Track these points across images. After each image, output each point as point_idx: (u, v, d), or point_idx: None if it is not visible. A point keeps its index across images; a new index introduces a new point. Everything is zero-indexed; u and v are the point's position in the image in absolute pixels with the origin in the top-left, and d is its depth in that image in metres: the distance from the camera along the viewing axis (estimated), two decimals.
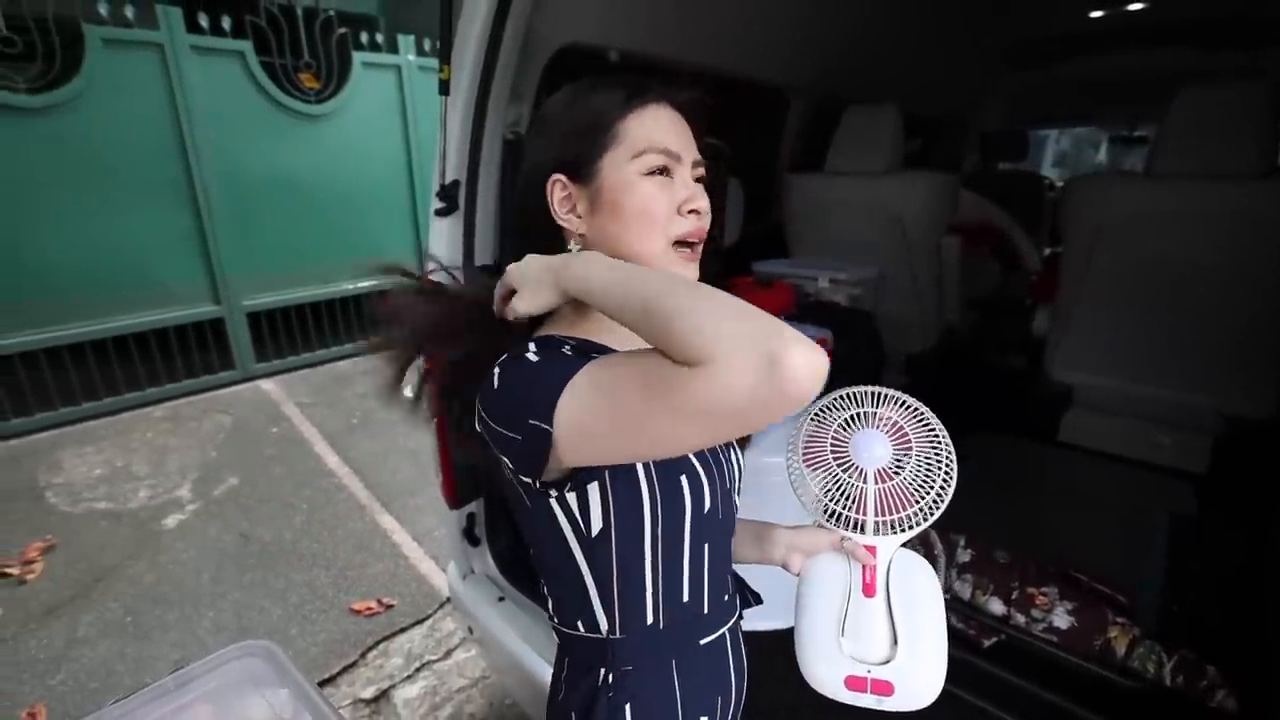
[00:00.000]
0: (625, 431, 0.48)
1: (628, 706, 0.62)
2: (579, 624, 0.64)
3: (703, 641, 0.66)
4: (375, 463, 3.17)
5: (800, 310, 1.81)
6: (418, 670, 1.97)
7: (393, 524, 2.68)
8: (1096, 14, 2.82)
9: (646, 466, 0.59)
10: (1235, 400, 1.74)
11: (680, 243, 0.62)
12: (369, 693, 1.88)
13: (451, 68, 1.30)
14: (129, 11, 3.35)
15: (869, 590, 0.66)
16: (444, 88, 1.31)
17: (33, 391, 3.39)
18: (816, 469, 0.68)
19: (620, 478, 0.58)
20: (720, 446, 0.68)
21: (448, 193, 1.35)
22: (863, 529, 0.66)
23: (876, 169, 2.10)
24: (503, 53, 1.29)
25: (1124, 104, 4.16)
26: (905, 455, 0.66)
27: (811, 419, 0.71)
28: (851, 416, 0.68)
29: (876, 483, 0.66)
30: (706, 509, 0.62)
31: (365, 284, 4.72)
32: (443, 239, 1.36)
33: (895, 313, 2.13)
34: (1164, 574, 1.37)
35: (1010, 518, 1.56)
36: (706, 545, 0.65)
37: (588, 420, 0.49)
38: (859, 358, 1.81)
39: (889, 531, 0.65)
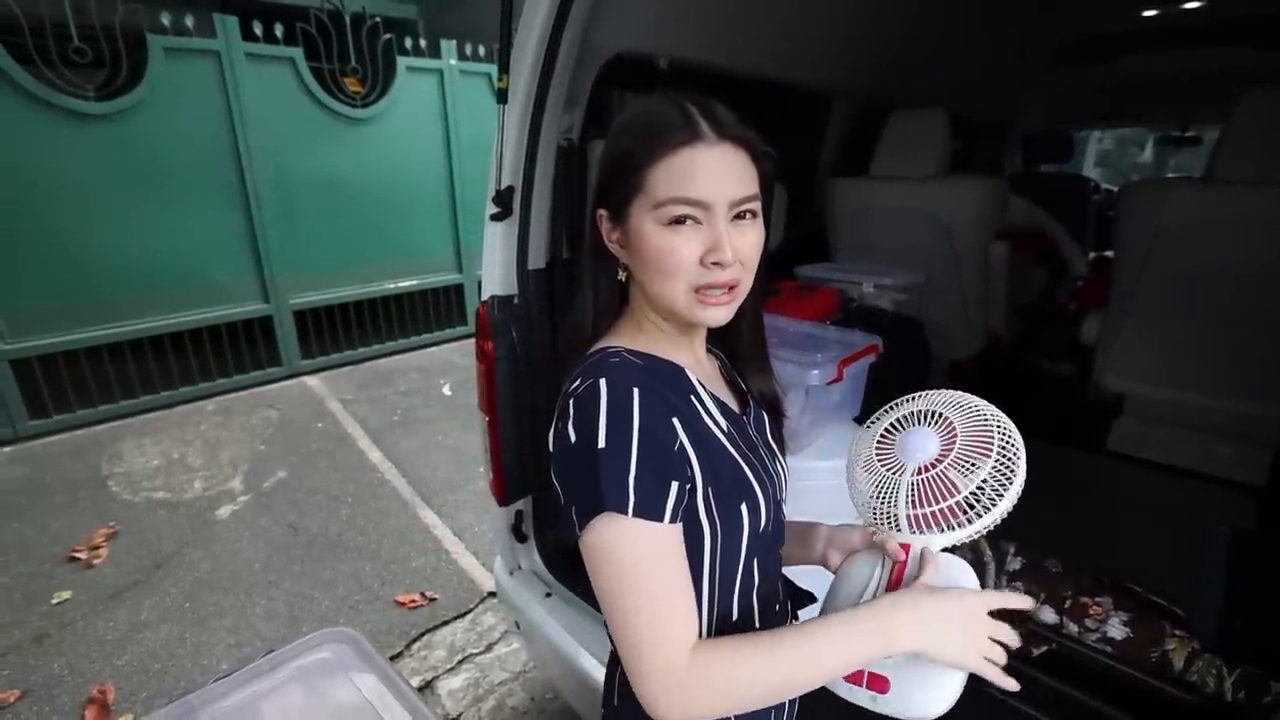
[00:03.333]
0: (602, 601, 0.57)
1: None
2: None
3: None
4: (416, 459, 3.25)
5: (845, 316, 1.81)
6: (460, 663, 2.02)
7: (434, 519, 2.75)
8: (1149, 13, 2.75)
9: (707, 502, 0.60)
10: None
11: (704, 288, 0.59)
12: (414, 683, 1.93)
13: (509, 77, 1.34)
14: (188, 21, 3.49)
15: (893, 587, 0.63)
16: (502, 96, 1.35)
17: (96, 384, 3.56)
18: (869, 470, 0.68)
19: (684, 515, 0.60)
20: (767, 457, 0.69)
21: (503, 198, 1.38)
22: (897, 524, 0.63)
23: (923, 174, 2.08)
24: (559, 62, 1.32)
25: (1175, 104, 4.04)
26: (952, 450, 0.62)
27: (871, 424, 0.71)
28: (906, 416, 0.68)
29: (916, 475, 0.63)
30: (761, 528, 0.64)
31: (406, 284, 4.84)
32: (497, 243, 1.39)
33: (940, 319, 2.11)
34: (1225, 588, 1.34)
35: (1059, 527, 1.54)
36: (757, 560, 0.66)
37: (593, 563, 0.56)
38: (907, 365, 1.80)
39: (926, 529, 0.62)
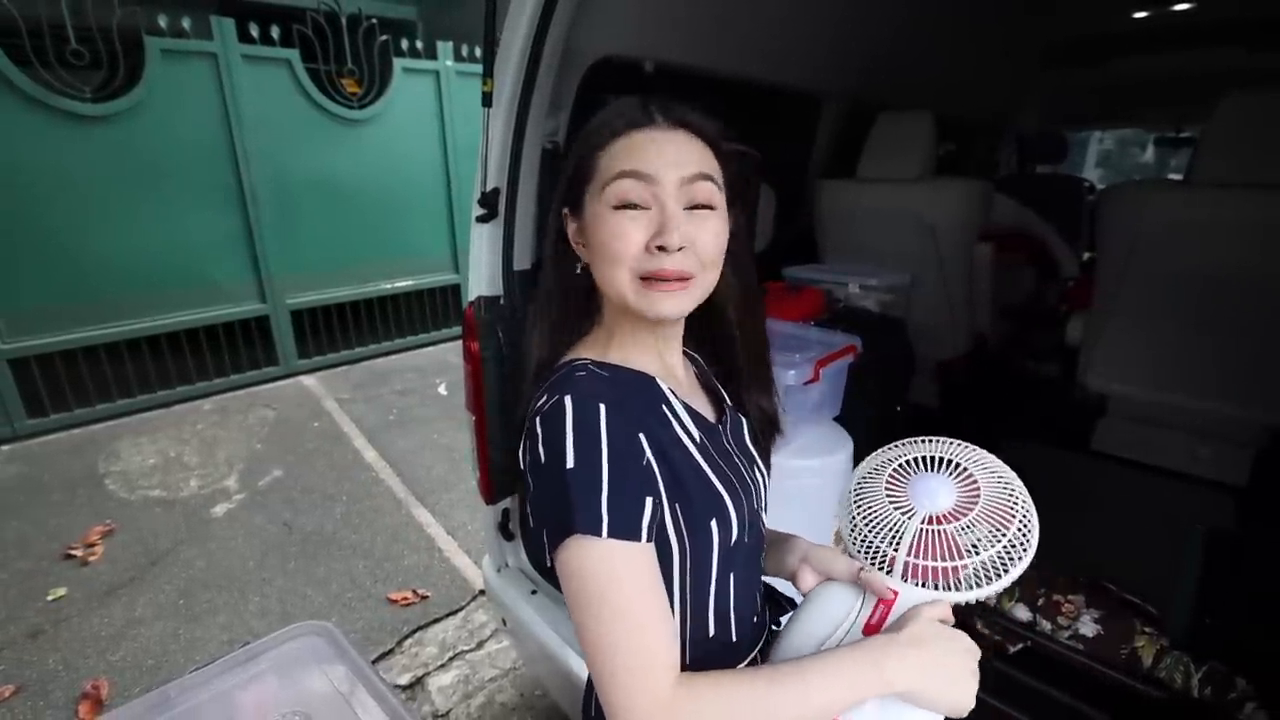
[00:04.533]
0: (578, 630, 0.53)
1: None
2: None
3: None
4: (411, 458, 3.27)
5: (831, 316, 1.83)
6: (451, 659, 2.04)
7: (427, 518, 2.77)
8: (1140, 14, 2.77)
9: (675, 519, 0.58)
10: (1278, 413, 1.71)
11: (651, 277, 0.57)
12: (405, 679, 1.95)
13: (494, 80, 1.36)
14: (185, 23, 3.51)
15: (870, 630, 0.60)
16: (487, 99, 1.37)
17: (93, 383, 3.59)
18: (869, 502, 0.63)
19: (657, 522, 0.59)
20: (744, 464, 0.67)
21: (488, 200, 1.41)
22: (890, 569, 0.59)
23: (909, 175, 2.10)
24: (543, 66, 1.35)
25: (1170, 105, 4.05)
26: (970, 511, 0.59)
27: (881, 454, 0.67)
28: (922, 459, 0.63)
29: (924, 523, 0.59)
30: (734, 540, 0.62)
31: (403, 284, 4.86)
32: (483, 244, 1.41)
33: (926, 319, 2.13)
34: (1199, 587, 1.35)
35: (1040, 525, 1.56)
36: (732, 575, 0.64)
37: (567, 589, 0.53)
38: (890, 365, 1.82)
39: (918, 580, 0.58)
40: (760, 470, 0.72)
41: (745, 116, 2.15)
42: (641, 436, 0.56)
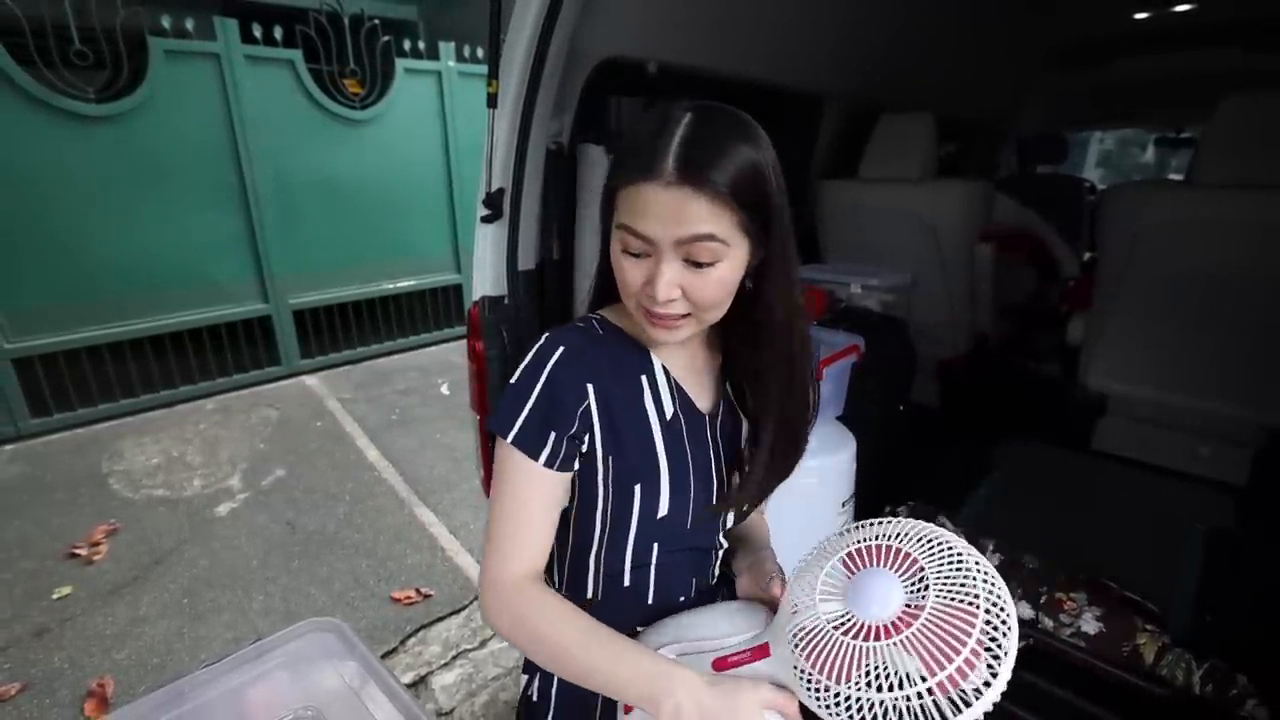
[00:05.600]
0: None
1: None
2: (552, 579, 0.75)
3: (640, 629, 0.70)
4: (413, 457, 3.28)
5: (833, 316, 1.84)
6: (454, 658, 2.04)
7: (430, 517, 2.78)
8: (1141, 15, 2.77)
9: (606, 470, 0.65)
10: (1277, 413, 1.72)
11: (649, 313, 0.62)
12: (408, 678, 1.96)
13: (499, 81, 1.36)
14: (189, 23, 3.52)
15: (719, 665, 0.58)
16: (492, 100, 1.38)
17: (96, 383, 3.60)
18: (805, 583, 0.56)
19: (583, 472, 0.67)
20: (715, 460, 0.70)
21: (493, 200, 1.41)
22: (818, 694, 0.49)
23: (910, 176, 2.11)
24: (548, 67, 1.35)
25: (1170, 106, 4.06)
26: (906, 628, 0.47)
27: (843, 536, 0.58)
28: (866, 549, 0.54)
29: (857, 637, 0.48)
30: (660, 515, 0.66)
31: (405, 284, 4.87)
32: (488, 244, 1.42)
33: (927, 319, 2.14)
34: (1199, 585, 1.36)
35: (1040, 524, 1.57)
36: (656, 545, 0.69)
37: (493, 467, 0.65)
38: (893, 365, 1.83)
39: (824, 671, 0.49)
40: (740, 475, 0.71)
41: (752, 117, 2.15)
42: (590, 386, 0.64)
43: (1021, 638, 1.31)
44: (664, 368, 0.69)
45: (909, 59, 2.34)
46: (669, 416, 0.67)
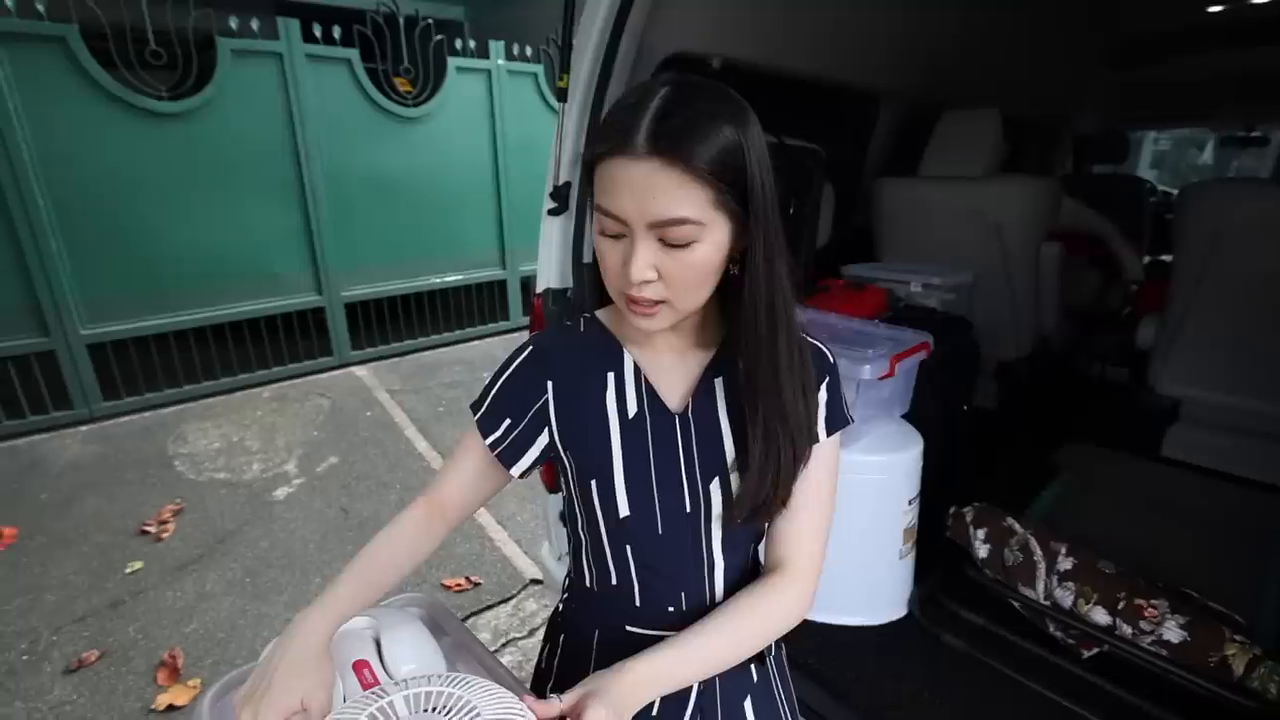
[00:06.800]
0: None
1: (561, 637, 0.78)
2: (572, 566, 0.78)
3: (629, 629, 0.70)
4: None
5: (893, 315, 1.81)
6: (503, 646, 2.08)
7: None
8: (1213, 9, 2.66)
9: (565, 460, 0.68)
10: None
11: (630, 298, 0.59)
12: None
13: (570, 77, 1.38)
14: (254, 24, 3.65)
15: None
16: (562, 95, 1.40)
17: (162, 369, 3.76)
18: None
19: (560, 466, 0.70)
20: (684, 462, 0.66)
21: (560, 193, 1.43)
22: None
23: (974, 174, 2.06)
24: (617, 63, 1.36)
25: (1240, 103, 3.88)
26: None
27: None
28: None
29: None
30: (623, 515, 0.65)
31: (451, 278, 4.96)
32: (554, 237, 1.44)
33: (988, 319, 2.09)
34: None
35: (1112, 530, 1.52)
36: (629, 548, 0.68)
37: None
38: (957, 364, 1.79)
39: None
40: (719, 483, 0.66)
41: (808, 114, 2.14)
42: (549, 383, 0.67)
43: (1096, 643, 1.29)
44: (635, 365, 0.68)
45: (966, 56, 2.29)
46: (632, 415, 0.66)
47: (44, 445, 3.34)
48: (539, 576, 2.38)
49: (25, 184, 3.17)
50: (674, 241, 0.55)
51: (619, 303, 0.61)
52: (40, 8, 3.10)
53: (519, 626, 2.16)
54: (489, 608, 2.24)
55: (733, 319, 0.63)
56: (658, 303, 0.58)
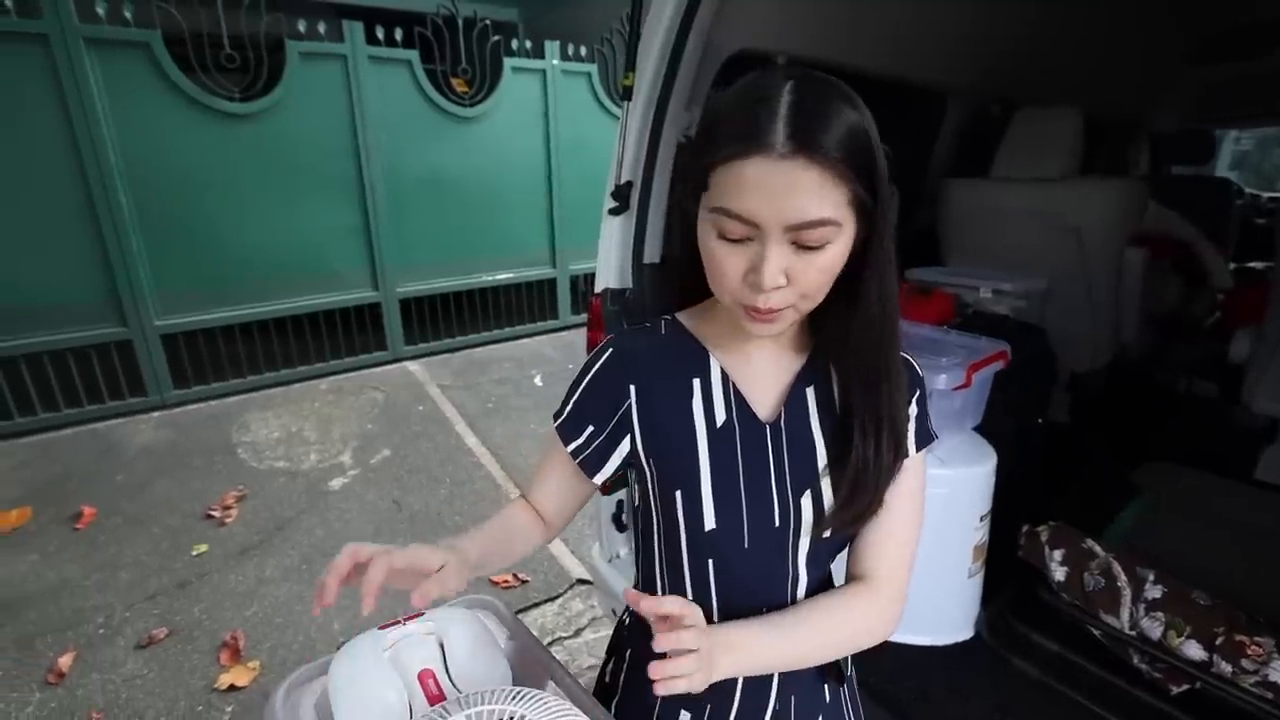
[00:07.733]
0: None
1: (628, 651, 0.76)
2: (638, 583, 0.76)
3: None
4: (509, 446, 3.37)
5: (961, 321, 1.73)
6: (550, 644, 2.08)
7: None
8: None
9: (650, 469, 0.66)
10: None
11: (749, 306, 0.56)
12: None
13: (635, 75, 1.37)
14: (321, 27, 3.77)
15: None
16: (627, 93, 1.38)
17: (228, 360, 3.92)
18: None
19: (639, 474, 0.68)
20: (775, 474, 0.63)
21: (621, 193, 1.41)
22: None
23: (1052, 175, 1.96)
24: (684, 62, 1.34)
25: None
26: None
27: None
28: None
29: None
30: (709, 529, 0.63)
31: (503, 276, 5.02)
32: (614, 237, 1.42)
33: (1063, 327, 1.98)
34: None
35: (1201, 557, 1.42)
36: (711, 561, 0.65)
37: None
38: (1032, 375, 1.70)
39: None
40: (810, 496, 0.64)
41: (874, 113, 2.08)
42: (632, 387, 0.65)
43: (1187, 679, 1.20)
44: (723, 371, 0.65)
45: (1037, 53, 2.18)
46: (720, 424, 0.63)
47: (120, 429, 3.52)
48: (586, 576, 2.38)
49: (110, 184, 3.35)
50: (809, 244, 0.53)
51: (734, 310, 0.58)
52: (127, 14, 3.27)
53: (565, 626, 2.16)
54: (535, 605, 2.24)
55: (835, 318, 0.61)
56: (779, 310, 0.56)
